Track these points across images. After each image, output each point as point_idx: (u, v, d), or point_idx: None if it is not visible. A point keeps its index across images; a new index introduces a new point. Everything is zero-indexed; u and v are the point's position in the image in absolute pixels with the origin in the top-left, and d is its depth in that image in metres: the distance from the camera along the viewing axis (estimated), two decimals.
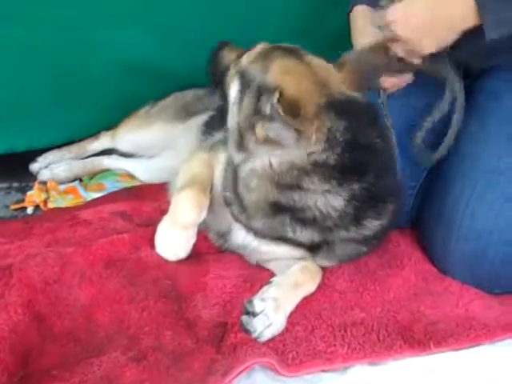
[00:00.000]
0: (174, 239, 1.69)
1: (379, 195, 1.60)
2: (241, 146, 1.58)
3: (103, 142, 2.48)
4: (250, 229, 1.69)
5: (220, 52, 1.82)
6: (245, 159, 1.59)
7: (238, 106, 1.61)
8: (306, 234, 1.61)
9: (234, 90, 1.65)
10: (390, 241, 1.86)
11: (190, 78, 2.34)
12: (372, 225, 1.62)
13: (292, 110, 1.43)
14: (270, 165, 1.53)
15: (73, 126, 2.40)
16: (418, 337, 1.53)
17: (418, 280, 1.74)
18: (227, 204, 1.71)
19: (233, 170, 1.66)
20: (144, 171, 2.38)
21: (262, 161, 1.54)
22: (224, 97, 1.73)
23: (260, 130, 1.49)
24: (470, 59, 1.89)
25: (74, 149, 2.47)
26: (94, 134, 2.47)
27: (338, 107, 1.50)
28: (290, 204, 1.55)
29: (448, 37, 1.64)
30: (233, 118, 1.64)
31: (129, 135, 2.41)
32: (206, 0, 2.24)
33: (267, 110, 1.46)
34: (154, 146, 2.39)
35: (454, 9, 1.61)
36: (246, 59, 1.68)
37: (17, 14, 2.02)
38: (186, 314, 1.55)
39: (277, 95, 1.43)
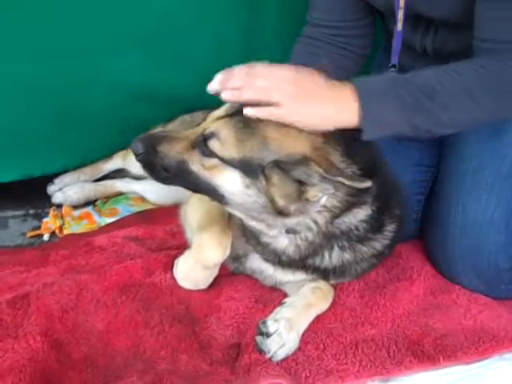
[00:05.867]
0: (197, 276, 1.71)
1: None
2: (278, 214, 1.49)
3: (116, 162, 2.52)
4: (266, 259, 1.70)
5: None
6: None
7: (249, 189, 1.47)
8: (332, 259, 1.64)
9: (231, 177, 1.48)
10: (399, 255, 1.87)
11: (194, 101, 2.35)
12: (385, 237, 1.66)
13: (327, 167, 1.41)
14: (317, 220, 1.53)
15: (84, 150, 2.45)
16: (427, 351, 1.55)
17: (427, 294, 1.76)
18: (244, 235, 1.70)
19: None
20: (154, 193, 2.39)
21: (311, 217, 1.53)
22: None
23: (313, 194, 1.45)
24: None
25: (89, 170, 2.53)
26: (104, 157, 2.52)
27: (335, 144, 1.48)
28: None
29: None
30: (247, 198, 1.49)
31: None
32: (208, 25, 2.26)
33: (313, 179, 1.41)
34: None
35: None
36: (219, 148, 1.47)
37: (23, 48, 2.06)
38: (200, 336, 1.59)
39: (312, 164, 1.40)
